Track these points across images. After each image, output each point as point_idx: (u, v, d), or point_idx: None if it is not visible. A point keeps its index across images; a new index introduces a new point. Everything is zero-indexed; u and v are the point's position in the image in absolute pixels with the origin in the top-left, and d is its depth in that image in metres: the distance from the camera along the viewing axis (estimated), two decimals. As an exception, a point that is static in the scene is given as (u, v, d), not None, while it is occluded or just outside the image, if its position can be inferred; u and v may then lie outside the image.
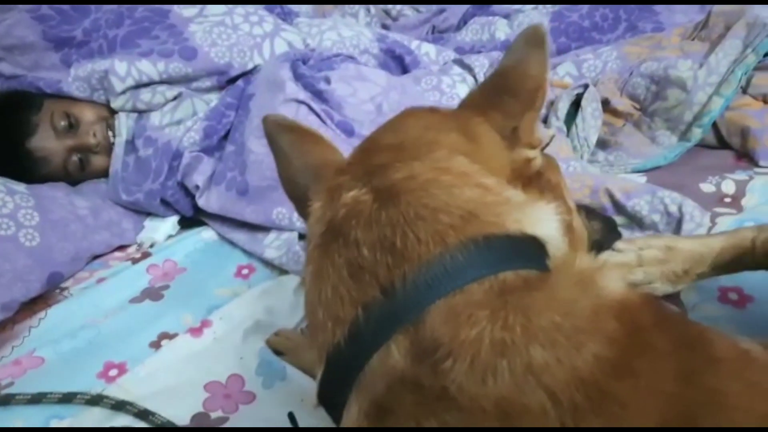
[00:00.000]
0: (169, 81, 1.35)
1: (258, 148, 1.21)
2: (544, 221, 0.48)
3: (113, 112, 1.39)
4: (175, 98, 1.37)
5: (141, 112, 1.38)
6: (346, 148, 1.23)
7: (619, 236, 0.86)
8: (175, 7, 1.45)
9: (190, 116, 1.36)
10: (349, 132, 1.26)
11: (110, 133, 1.38)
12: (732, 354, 0.42)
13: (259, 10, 1.49)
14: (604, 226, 0.79)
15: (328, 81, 1.31)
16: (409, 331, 0.42)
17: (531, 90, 0.53)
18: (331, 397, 0.47)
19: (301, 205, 0.57)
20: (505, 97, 0.54)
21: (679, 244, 0.87)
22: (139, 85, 1.34)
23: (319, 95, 1.28)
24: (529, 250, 0.46)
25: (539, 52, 0.53)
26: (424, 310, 0.42)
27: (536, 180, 0.57)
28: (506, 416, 0.38)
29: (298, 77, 1.29)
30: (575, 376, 0.38)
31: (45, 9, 1.37)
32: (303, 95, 1.24)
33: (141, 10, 1.42)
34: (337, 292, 0.47)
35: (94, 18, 1.40)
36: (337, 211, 0.49)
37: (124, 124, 1.37)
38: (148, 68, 1.33)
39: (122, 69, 1.32)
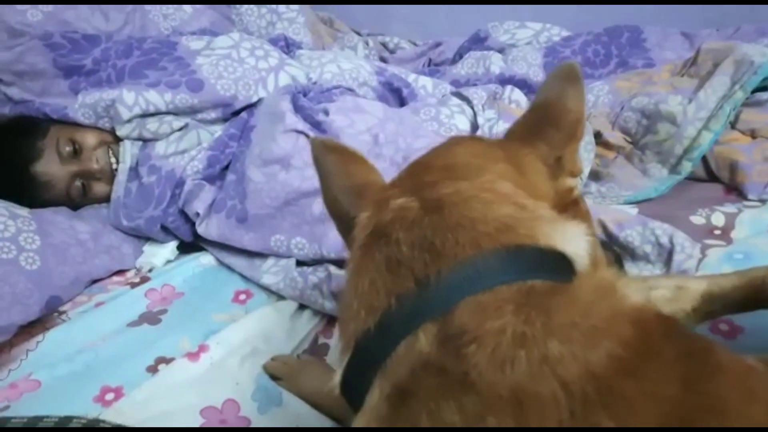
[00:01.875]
0: (176, 111, 1.38)
1: (257, 177, 1.23)
2: (574, 240, 0.50)
3: (117, 139, 1.41)
4: (181, 129, 1.40)
5: (146, 141, 1.40)
6: None
7: (622, 268, 0.88)
8: (183, 40, 1.48)
9: (195, 146, 1.39)
10: None
11: (113, 160, 1.40)
12: (735, 366, 0.44)
13: (265, 44, 1.53)
14: (609, 259, 0.81)
15: (326, 112, 1.34)
16: (438, 321, 0.46)
17: (572, 122, 0.57)
18: (355, 383, 0.50)
19: (342, 223, 0.60)
20: (549, 128, 0.57)
21: (690, 283, 0.88)
22: (145, 114, 1.36)
23: (317, 126, 1.31)
24: (556, 264, 0.49)
25: (577, 88, 0.57)
26: (455, 303, 0.45)
27: (573, 206, 0.60)
28: (519, 402, 0.41)
29: (297, 109, 1.33)
30: (588, 370, 0.40)
31: (57, 37, 1.40)
32: (302, 126, 1.27)
33: (149, 41, 1.46)
34: (374, 284, 0.50)
35: (105, 47, 1.43)
36: (383, 217, 0.53)
37: (128, 151, 1.40)
38: (155, 98, 1.36)
39: (130, 98, 1.35)
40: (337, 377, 0.53)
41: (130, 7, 1.63)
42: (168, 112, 1.38)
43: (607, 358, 0.41)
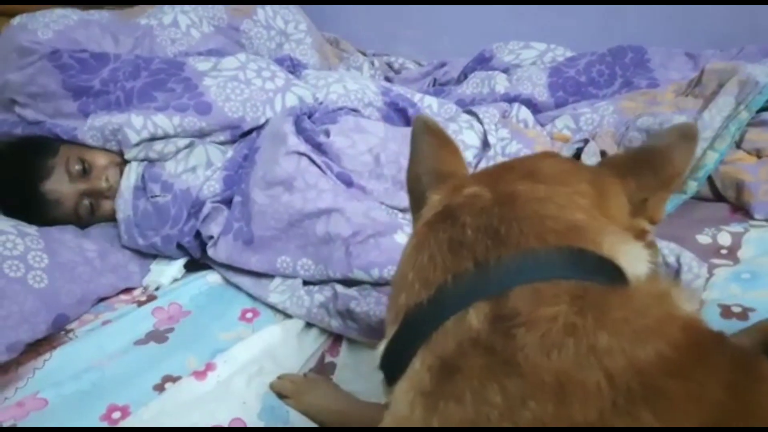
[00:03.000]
0: (184, 135, 1.39)
1: (261, 199, 1.24)
2: (636, 261, 0.51)
3: (125, 160, 1.42)
4: (186, 146, 1.41)
5: (151, 161, 1.41)
6: (345, 197, 1.26)
7: None
8: (190, 60, 1.50)
9: (204, 162, 1.39)
10: (347, 183, 1.30)
11: (121, 178, 1.41)
12: None
13: (271, 65, 1.54)
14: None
15: (327, 134, 1.36)
16: (491, 301, 0.47)
17: (670, 174, 0.58)
18: (398, 353, 0.51)
19: (416, 201, 0.62)
20: (646, 170, 0.58)
21: None
22: (154, 138, 1.38)
23: (318, 148, 1.33)
24: (615, 275, 0.49)
25: (689, 146, 0.59)
26: (510, 288, 0.47)
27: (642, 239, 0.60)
28: (562, 388, 0.41)
29: (300, 131, 1.34)
30: (635, 365, 0.41)
31: (66, 57, 1.41)
32: (304, 147, 1.28)
33: (157, 61, 1.47)
34: (433, 259, 0.51)
35: (113, 68, 1.43)
36: (454, 200, 0.55)
37: (134, 170, 1.40)
38: (163, 122, 1.37)
39: (138, 122, 1.36)
40: (382, 347, 0.54)
41: (140, 31, 1.65)
42: (176, 136, 1.39)
43: (656, 357, 0.42)
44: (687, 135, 0.59)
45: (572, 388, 0.41)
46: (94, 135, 1.39)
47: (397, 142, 1.36)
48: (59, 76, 1.40)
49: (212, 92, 1.42)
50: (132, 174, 1.40)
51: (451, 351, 0.46)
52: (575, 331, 0.43)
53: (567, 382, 0.41)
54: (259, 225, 1.24)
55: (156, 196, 1.36)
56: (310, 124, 1.39)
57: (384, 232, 1.19)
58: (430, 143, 0.65)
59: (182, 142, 1.40)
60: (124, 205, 1.38)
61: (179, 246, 1.33)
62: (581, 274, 0.47)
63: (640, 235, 0.58)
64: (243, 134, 1.45)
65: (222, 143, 1.44)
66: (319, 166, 1.28)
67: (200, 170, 1.38)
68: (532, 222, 0.50)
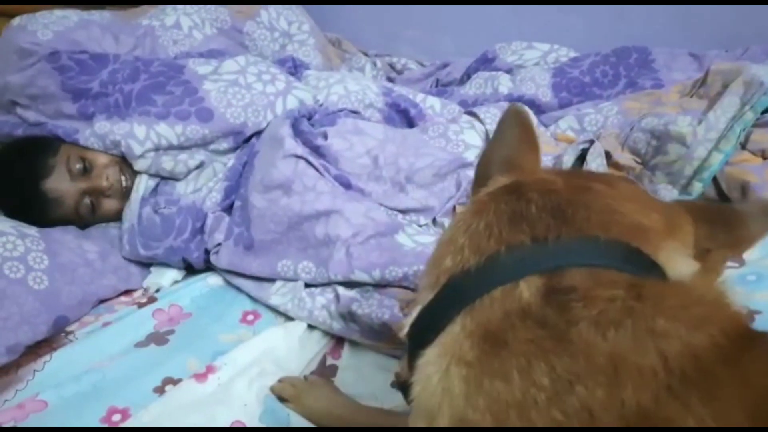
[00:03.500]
0: (187, 144, 1.39)
1: (260, 203, 1.24)
2: (687, 272, 0.50)
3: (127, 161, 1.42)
4: (197, 167, 1.41)
5: (164, 178, 1.42)
6: (344, 198, 1.25)
7: None
8: (190, 63, 1.49)
9: (212, 178, 1.40)
10: (346, 185, 1.29)
11: (122, 177, 1.41)
12: None
13: (271, 68, 1.54)
14: None
15: (325, 136, 1.35)
16: (546, 275, 0.46)
17: (742, 237, 0.57)
18: (435, 317, 0.49)
19: (480, 181, 0.61)
20: (720, 225, 0.57)
21: None
22: (159, 148, 1.38)
23: (316, 150, 1.32)
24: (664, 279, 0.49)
25: (766, 221, 0.58)
26: (567, 267, 0.46)
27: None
28: (616, 370, 0.40)
29: (297, 134, 1.34)
30: (690, 350, 0.41)
31: (65, 59, 1.40)
32: (301, 150, 1.28)
33: (156, 63, 1.46)
34: (489, 227, 0.50)
35: (112, 69, 1.43)
36: (524, 179, 0.55)
37: (144, 182, 1.41)
38: (166, 131, 1.37)
39: (141, 132, 1.36)
40: (415, 313, 0.52)
41: (141, 30, 1.65)
42: (180, 146, 1.39)
43: (710, 343, 0.42)
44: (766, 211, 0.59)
45: (626, 370, 0.40)
46: (96, 142, 1.39)
47: (396, 144, 1.36)
48: (58, 78, 1.39)
49: (213, 97, 1.41)
50: (142, 186, 1.41)
51: (497, 321, 0.45)
52: (633, 312, 0.42)
53: (621, 364, 0.40)
54: (258, 229, 1.23)
55: (161, 208, 1.36)
56: (308, 126, 1.38)
57: (385, 232, 1.18)
58: (514, 134, 0.64)
59: (192, 161, 1.40)
60: (130, 214, 1.38)
61: (184, 259, 1.32)
62: (636, 270, 0.46)
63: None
64: (246, 140, 1.45)
65: (225, 151, 1.44)
66: (317, 169, 1.27)
67: (206, 186, 1.38)
68: (599, 213, 0.50)
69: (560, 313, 0.43)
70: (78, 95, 1.40)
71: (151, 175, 1.42)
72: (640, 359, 0.40)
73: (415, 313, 0.53)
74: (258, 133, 1.43)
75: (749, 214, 0.58)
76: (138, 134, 1.36)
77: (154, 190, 1.41)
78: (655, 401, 0.39)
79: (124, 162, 1.41)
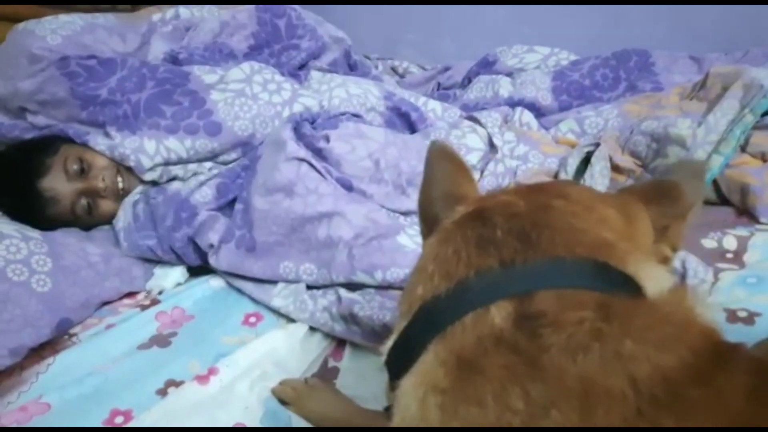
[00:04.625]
0: (197, 157, 1.41)
1: (262, 205, 1.24)
2: (658, 282, 0.50)
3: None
4: (203, 175, 1.42)
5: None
6: (346, 200, 1.24)
7: None
8: (195, 70, 1.48)
9: (203, 171, 1.42)
10: (347, 187, 1.30)
11: (119, 179, 1.41)
12: None
13: (276, 75, 1.54)
14: None
15: (327, 139, 1.36)
16: (515, 300, 0.46)
17: (686, 205, 0.60)
18: (408, 346, 0.50)
19: (428, 224, 0.62)
20: (666, 199, 0.60)
21: None
22: (168, 163, 1.39)
23: (318, 153, 1.33)
24: (637, 293, 0.49)
25: (698, 183, 0.63)
26: (536, 290, 0.46)
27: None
28: (587, 395, 0.40)
29: (300, 137, 1.35)
30: (659, 372, 0.41)
31: (73, 65, 1.41)
32: (304, 153, 1.28)
33: (162, 70, 1.46)
34: (457, 254, 0.51)
35: (120, 77, 1.43)
36: (486, 203, 0.55)
37: (139, 190, 1.42)
38: (175, 146, 1.38)
39: (151, 148, 1.37)
40: (390, 342, 0.53)
41: (145, 28, 1.66)
42: (189, 159, 1.40)
43: (679, 363, 0.41)
44: (696, 174, 0.63)
45: (597, 395, 0.40)
46: (106, 150, 1.40)
47: (398, 147, 1.37)
48: (67, 84, 1.40)
49: (220, 110, 1.41)
50: (137, 190, 1.43)
51: (470, 347, 0.45)
52: (601, 335, 0.42)
53: (591, 388, 0.41)
54: (260, 231, 1.24)
55: (152, 198, 1.38)
56: (310, 129, 1.39)
57: (386, 234, 1.19)
58: (444, 168, 0.65)
59: (201, 169, 1.42)
60: (125, 214, 1.39)
61: (176, 253, 1.33)
62: (605, 287, 0.47)
63: (663, 261, 0.60)
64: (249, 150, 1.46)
65: (232, 161, 1.45)
66: (319, 171, 1.28)
67: (194, 180, 1.40)
68: (563, 232, 0.50)
69: (532, 339, 0.43)
70: (87, 102, 1.41)
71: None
72: (610, 383, 0.40)
73: (390, 342, 0.53)
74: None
75: (683, 182, 0.60)
76: (148, 149, 1.37)
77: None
78: (624, 425, 0.39)
79: (122, 164, 1.42)
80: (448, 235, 0.54)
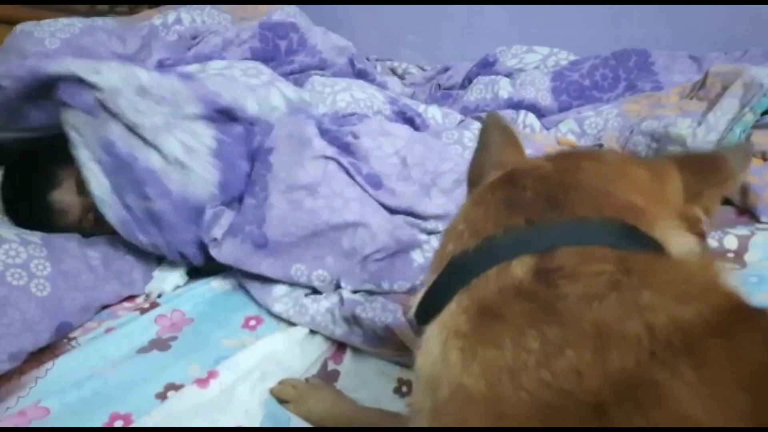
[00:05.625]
0: (158, 91, 1.26)
1: (282, 203, 1.21)
2: (684, 248, 0.51)
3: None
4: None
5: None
6: (372, 209, 1.21)
7: None
8: (178, 68, 1.46)
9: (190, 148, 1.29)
10: (376, 185, 1.27)
11: None
12: None
13: (258, 65, 1.52)
14: None
15: (355, 135, 1.33)
16: (537, 255, 0.48)
17: (727, 174, 0.61)
18: (436, 297, 0.52)
19: (472, 189, 0.65)
20: (705, 167, 0.61)
21: None
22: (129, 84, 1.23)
23: (346, 148, 1.30)
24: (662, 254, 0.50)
25: (746, 158, 0.65)
26: (558, 246, 0.48)
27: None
28: (601, 338, 0.41)
29: (323, 132, 1.31)
30: (676, 323, 0.41)
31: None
32: (331, 151, 1.26)
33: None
34: (487, 213, 0.54)
35: None
36: (518, 168, 0.58)
37: (97, 173, 1.27)
38: (140, 72, 1.26)
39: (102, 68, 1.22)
40: (420, 295, 0.55)
41: (145, 30, 1.66)
42: (150, 91, 1.25)
43: (698, 317, 0.42)
44: (745, 151, 0.65)
45: (611, 338, 0.41)
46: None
47: (422, 145, 1.34)
48: None
49: (195, 77, 1.34)
50: (101, 178, 1.26)
51: (491, 297, 0.47)
52: (619, 286, 0.44)
53: (606, 332, 0.41)
54: (276, 230, 1.20)
55: (147, 198, 1.26)
56: (333, 125, 1.36)
57: (403, 250, 1.20)
58: (498, 138, 0.67)
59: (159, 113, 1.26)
60: (110, 210, 1.28)
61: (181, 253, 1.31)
62: (631, 246, 0.48)
63: (693, 222, 0.60)
64: (222, 119, 1.33)
65: (195, 118, 1.30)
66: (347, 170, 1.25)
67: (193, 174, 1.28)
68: (591, 194, 0.52)
69: (549, 288, 0.45)
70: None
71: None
72: (625, 327, 0.41)
73: (420, 294, 0.56)
74: (244, 124, 1.35)
75: (730, 154, 0.61)
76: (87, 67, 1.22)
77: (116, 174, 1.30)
78: (637, 366, 0.40)
79: None
80: (480, 197, 0.57)
